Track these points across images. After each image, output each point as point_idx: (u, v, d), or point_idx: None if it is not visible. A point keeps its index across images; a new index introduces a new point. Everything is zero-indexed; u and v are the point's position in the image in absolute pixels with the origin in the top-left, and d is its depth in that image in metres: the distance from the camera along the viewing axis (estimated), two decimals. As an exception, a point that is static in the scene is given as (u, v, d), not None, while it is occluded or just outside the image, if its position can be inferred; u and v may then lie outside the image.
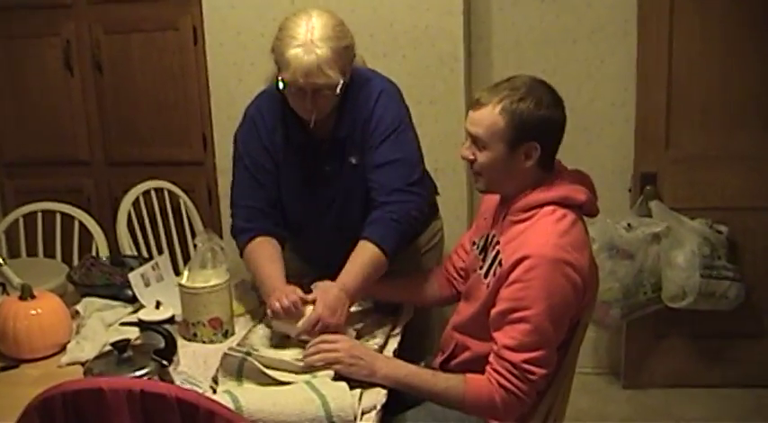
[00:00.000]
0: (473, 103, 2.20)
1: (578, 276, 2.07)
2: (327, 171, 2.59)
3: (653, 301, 3.65)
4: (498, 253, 2.18)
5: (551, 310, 2.04)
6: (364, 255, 2.42)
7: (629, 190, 3.86)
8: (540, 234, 2.11)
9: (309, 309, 2.30)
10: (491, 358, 2.11)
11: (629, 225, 3.63)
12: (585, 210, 2.22)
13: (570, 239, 2.09)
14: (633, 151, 3.80)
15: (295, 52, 2.31)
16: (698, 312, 3.67)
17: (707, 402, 3.83)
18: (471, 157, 2.21)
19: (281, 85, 2.40)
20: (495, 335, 2.11)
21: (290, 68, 2.33)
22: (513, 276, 2.08)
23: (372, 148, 2.51)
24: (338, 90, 2.39)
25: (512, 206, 2.22)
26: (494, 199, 2.37)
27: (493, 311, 2.13)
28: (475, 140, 2.18)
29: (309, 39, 2.31)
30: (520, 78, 2.19)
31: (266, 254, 2.53)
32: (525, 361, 2.05)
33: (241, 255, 2.60)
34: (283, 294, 2.30)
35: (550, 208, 2.14)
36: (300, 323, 2.27)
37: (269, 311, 2.33)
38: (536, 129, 2.12)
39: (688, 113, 3.71)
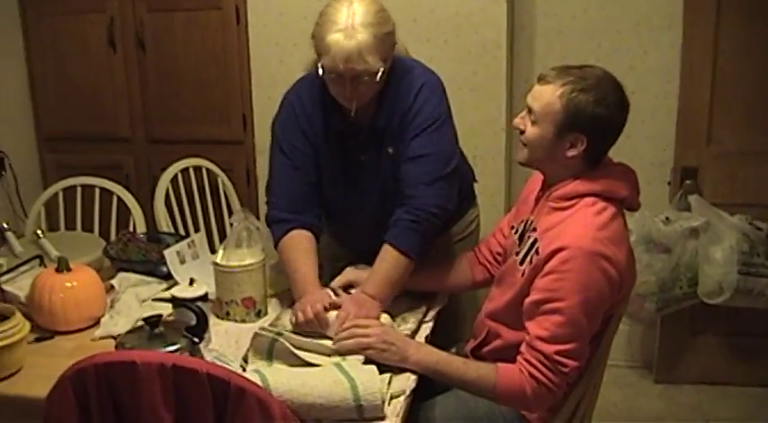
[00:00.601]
0: (540, 78, 2.18)
1: (615, 270, 2.06)
2: (363, 160, 2.58)
3: (689, 296, 3.62)
4: (536, 241, 2.17)
5: (586, 303, 2.03)
6: (387, 260, 2.42)
7: (669, 183, 3.82)
8: (578, 225, 2.09)
9: (334, 314, 2.29)
10: (523, 348, 2.10)
11: (667, 219, 3.60)
12: (627, 204, 2.20)
13: (609, 233, 2.08)
14: (674, 144, 3.76)
15: (335, 37, 2.28)
16: (734, 309, 3.63)
17: (739, 401, 3.80)
18: (521, 128, 2.22)
19: (320, 70, 2.38)
20: (528, 325, 2.10)
21: (329, 53, 2.30)
22: (548, 267, 2.06)
23: (407, 139, 2.48)
24: (378, 77, 2.36)
25: (553, 193, 2.21)
26: (536, 184, 2.36)
27: (527, 301, 2.12)
28: (530, 112, 2.18)
29: (350, 24, 2.28)
30: (594, 70, 2.17)
31: (300, 250, 2.51)
32: (557, 352, 2.03)
33: (275, 246, 2.58)
34: (308, 304, 2.29)
35: (591, 199, 2.13)
36: (329, 330, 2.25)
37: (292, 319, 2.32)
38: (588, 123, 2.10)
39: (731, 108, 3.67)
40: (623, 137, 3.72)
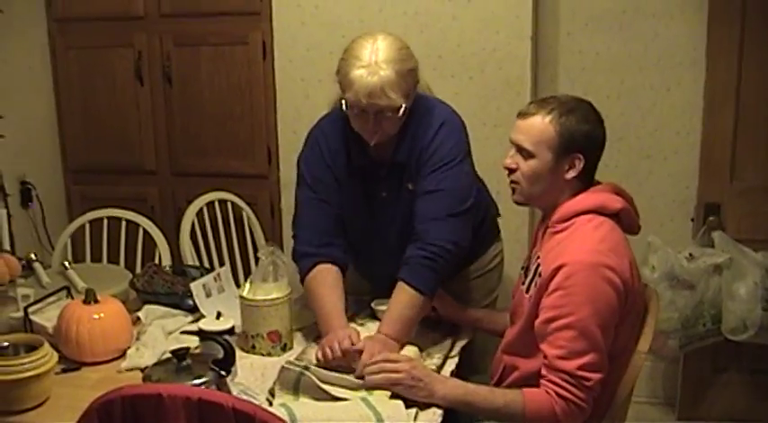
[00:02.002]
0: (520, 114, 2.26)
1: (619, 279, 2.08)
2: (384, 197, 2.61)
3: (712, 332, 3.60)
4: (539, 266, 2.21)
5: (596, 313, 2.06)
6: (401, 299, 2.44)
7: (692, 220, 3.81)
8: (578, 241, 2.14)
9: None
10: (544, 371, 2.11)
11: (690, 255, 3.59)
12: (625, 221, 2.24)
13: (609, 245, 2.12)
14: (697, 181, 3.76)
15: (359, 73, 2.34)
16: (758, 347, 3.60)
17: (763, 439, 3.76)
18: (514, 166, 2.27)
19: (344, 105, 2.42)
20: (543, 347, 2.12)
21: (353, 89, 2.35)
22: (553, 284, 2.10)
23: (424, 176, 2.51)
24: (401, 112, 2.40)
25: (550, 220, 2.26)
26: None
27: (537, 322, 2.14)
28: (520, 150, 2.24)
29: (374, 60, 2.34)
30: (563, 95, 2.29)
31: (327, 285, 2.54)
32: (579, 367, 2.05)
33: (302, 280, 2.61)
34: (335, 341, 2.31)
35: (588, 217, 2.18)
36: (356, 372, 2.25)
37: (318, 354, 2.34)
38: (582, 141, 2.19)
39: (754, 145, 3.67)
40: (646, 172, 3.76)
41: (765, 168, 3.70)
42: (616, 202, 2.21)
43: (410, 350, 2.36)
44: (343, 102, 2.42)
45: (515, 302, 2.39)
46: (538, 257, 2.25)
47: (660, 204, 3.78)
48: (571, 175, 2.21)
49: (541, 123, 2.19)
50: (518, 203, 2.36)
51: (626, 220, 2.24)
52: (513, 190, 2.32)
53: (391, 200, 2.61)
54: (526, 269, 2.35)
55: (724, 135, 3.68)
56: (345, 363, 2.28)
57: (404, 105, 2.40)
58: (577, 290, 2.06)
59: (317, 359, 2.33)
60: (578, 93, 3.71)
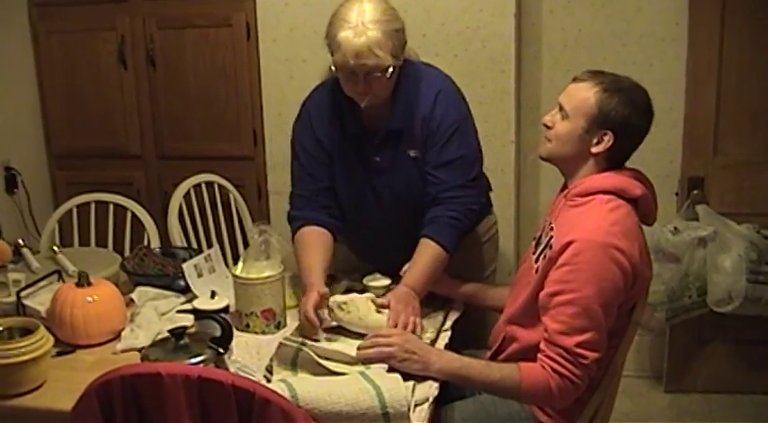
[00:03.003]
0: (575, 79, 2.29)
1: (628, 262, 2.10)
2: (378, 162, 2.65)
3: (698, 305, 3.65)
4: (551, 238, 2.23)
5: (600, 293, 2.08)
6: (426, 253, 2.52)
7: (677, 194, 3.85)
8: (592, 220, 2.15)
9: (377, 316, 2.37)
10: (542, 345, 2.14)
11: (675, 228, 3.62)
12: (642, 209, 2.25)
13: (622, 228, 2.13)
14: (681, 155, 3.79)
15: (346, 34, 2.38)
16: (742, 318, 3.66)
17: (749, 409, 3.82)
18: (550, 124, 2.30)
19: (333, 68, 2.46)
20: (545, 319, 2.14)
21: (340, 50, 2.40)
22: (562, 259, 2.12)
23: (436, 146, 2.57)
24: (389, 73, 2.45)
25: (570, 191, 2.28)
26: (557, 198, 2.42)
27: (542, 294, 2.17)
28: (561, 109, 2.27)
29: (360, 21, 2.38)
30: (626, 77, 2.29)
31: (310, 243, 2.61)
32: (577, 345, 2.07)
33: (292, 241, 2.67)
34: (310, 301, 2.37)
35: (606, 197, 2.19)
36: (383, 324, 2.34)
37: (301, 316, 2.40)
38: (618, 122, 2.20)
39: (736, 119, 3.71)
40: (630, 149, 3.76)
41: (748, 142, 3.74)
42: (637, 188, 2.22)
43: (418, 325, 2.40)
44: (332, 65, 2.46)
45: (523, 270, 2.41)
46: (552, 228, 2.27)
47: (644, 179, 3.81)
48: (597, 149, 2.22)
49: (587, 91, 2.22)
50: (542, 158, 2.38)
51: (643, 208, 2.26)
52: (543, 143, 2.35)
53: (387, 164, 2.65)
54: (538, 239, 2.37)
55: (707, 110, 3.71)
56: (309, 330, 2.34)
57: (392, 65, 2.45)
58: (585, 267, 2.08)
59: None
60: (561, 70, 3.79)
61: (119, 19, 4.14)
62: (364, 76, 2.43)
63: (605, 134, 2.21)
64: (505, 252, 3.57)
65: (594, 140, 2.22)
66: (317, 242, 2.61)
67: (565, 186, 2.36)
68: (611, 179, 2.23)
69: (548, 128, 2.31)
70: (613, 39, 3.81)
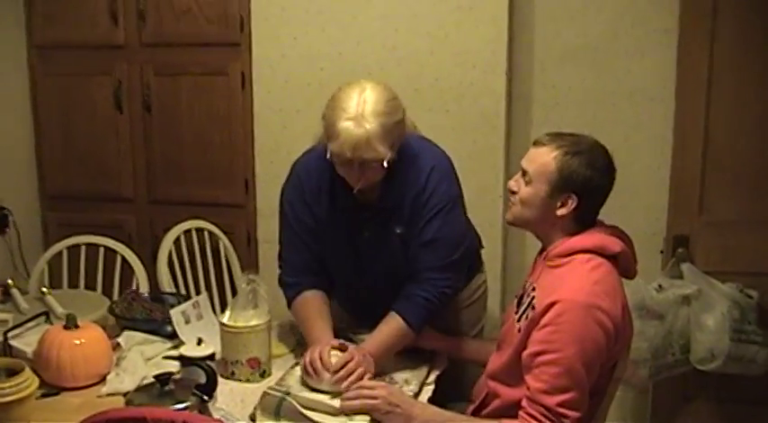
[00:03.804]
0: (535, 142, 2.31)
1: (610, 322, 2.13)
2: (367, 237, 2.63)
3: (681, 362, 3.65)
4: (533, 298, 2.25)
5: (583, 353, 2.10)
6: (391, 327, 2.52)
7: (662, 252, 3.87)
8: (574, 280, 2.18)
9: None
10: (524, 403, 2.15)
11: (660, 286, 3.64)
12: (622, 265, 2.28)
13: (603, 287, 2.16)
14: (666, 213, 3.83)
15: (345, 125, 2.32)
16: (726, 377, 3.66)
17: (732, 468, 3.81)
18: (515, 189, 2.32)
19: (328, 153, 2.41)
20: (528, 378, 2.16)
21: (338, 140, 2.33)
22: (544, 320, 2.14)
23: (420, 223, 2.54)
24: (386, 163, 2.40)
25: (549, 252, 2.30)
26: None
27: (524, 354, 2.19)
28: (524, 174, 2.29)
29: (360, 112, 2.31)
30: (585, 137, 2.32)
31: (315, 311, 2.61)
32: (559, 404, 2.09)
33: (289, 306, 2.67)
34: (314, 349, 2.38)
35: (586, 256, 2.22)
36: (330, 370, 2.33)
37: (306, 360, 2.38)
38: (579, 184, 2.22)
39: (722, 178, 3.74)
40: (617, 206, 3.77)
41: (733, 202, 3.76)
42: (615, 245, 2.25)
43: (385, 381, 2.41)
44: (328, 150, 2.40)
45: (505, 330, 2.43)
46: (533, 288, 2.29)
47: (631, 236, 3.82)
48: (562, 212, 2.25)
49: (547, 156, 2.24)
50: (508, 222, 2.42)
51: (623, 264, 2.29)
52: (510, 208, 2.37)
53: (375, 240, 2.63)
54: (520, 298, 2.38)
55: (693, 169, 3.74)
56: (318, 371, 2.33)
57: (389, 156, 2.39)
58: (568, 328, 2.10)
59: (304, 368, 2.37)
60: (551, 126, 3.79)
61: (116, 64, 4.20)
62: (359, 164, 2.38)
63: (569, 197, 2.23)
64: (491, 306, 3.59)
65: (558, 204, 2.25)
66: (320, 308, 2.62)
67: (544, 248, 2.38)
68: (589, 238, 2.26)
69: (513, 193, 2.34)
70: (603, 97, 3.86)
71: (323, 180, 2.61)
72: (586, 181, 2.22)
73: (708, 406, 3.94)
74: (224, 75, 4.06)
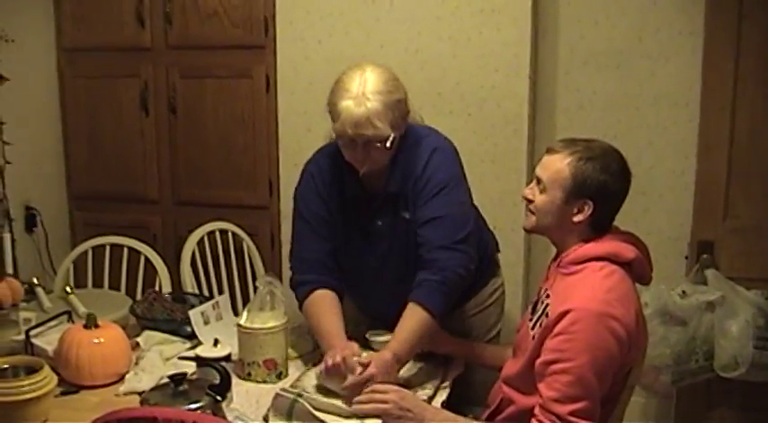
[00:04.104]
0: (548, 149, 2.31)
1: (623, 330, 2.11)
2: (380, 226, 2.65)
3: (704, 369, 3.62)
4: (547, 306, 2.24)
5: (595, 362, 2.09)
6: (413, 318, 2.48)
7: (686, 257, 3.85)
8: (586, 288, 2.17)
9: (360, 369, 2.35)
10: (536, 411, 2.15)
11: (683, 292, 3.61)
12: (636, 271, 2.27)
13: (616, 295, 2.15)
14: (691, 219, 3.80)
15: (346, 104, 2.40)
16: (751, 384, 3.62)
17: (756, 476, 3.77)
18: (530, 197, 2.32)
19: (334, 136, 2.49)
20: (540, 387, 2.15)
21: (340, 119, 2.42)
22: (558, 328, 2.13)
23: (421, 204, 2.56)
24: (389, 143, 2.45)
25: (563, 259, 2.29)
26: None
27: (537, 362, 2.18)
28: (539, 182, 2.29)
29: (361, 91, 2.40)
30: (598, 142, 2.30)
31: (325, 307, 2.60)
32: (571, 413, 2.08)
33: (300, 307, 2.66)
34: (337, 352, 2.36)
35: (599, 264, 2.21)
36: (350, 378, 2.32)
37: (322, 368, 2.38)
38: (594, 189, 2.21)
39: (748, 184, 3.71)
40: (641, 211, 3.80)
41: (758, 207, 3.73)
42: (629, 252, 2.24)
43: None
44: (333, 133, 2.49)
45: (520, 336, 2.42)
46: (547, 296, 2.29)
47: (655, 241, 3.74)
48: (578, 218, 2.24)
49: (560, 163, 2.23)
50: (526, 230, 2.42)
51: (638, 270, 2.27)
52: (527, 216, 2.37)
53: (387, 228, 2.65)
54: (534, 305, 2.38)
55: (718, 174, 3.72)
56: (343, 373, 2.33)
57: (392, 135, 2.44)
58: (580, 336, 2.09)
59: (321, 372, 2.38)
60: (575, 131, 3.83)
61: (143, 67, 4.25)
62: (363, 144, 2.44)
63: (585, 203, 2.23)
64: (512, 311, 3.58)
65: (575, 210, 2.24)
66: (332, 306, 2.61)
67: (558, 254, 2.38)
68: (603, 245, 2.25)
69: (529, 201, 2.34)
70: (627, 101, 3.85)
71: (334, 175, 2.66)
72: (601, 186, 2.21)
73: (732, 414, 3.90)
74: (248, 77, 4.09)
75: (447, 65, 3.70)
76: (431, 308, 2.48)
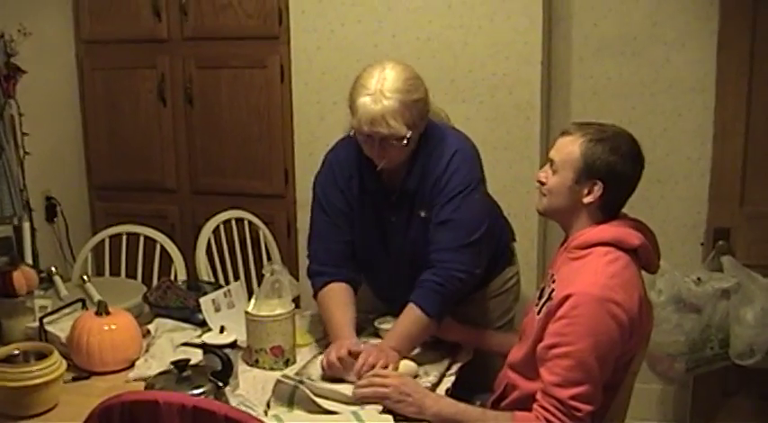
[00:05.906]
0: (562, 132, 2.33)
1: (625, 315, 2.12)
2: (394, 221, 2.68)
3: (720, 356, 3.61)
4: (552, 290, 2.25)
5: (596, 346, 2.09)
6: (408, 318, 2.53)
7: (702, 244, 3.84)
8: (590, 273, 2.17)
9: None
10: (538, 395, 2.16)
11: (698, 279, 3.60)
12: (642, 258, 2.27)
13: (620, 281, 2.15)
14: (707, 206, 3.79)
15: (363, 101, 2.41)
16: (766, 372, 3.61)
17: (772, 463, 3.76)
18: (543, 179, 2.33)
19: (353, 131, 2.51)
20: (542, 371, 2.16)
21: (357, 115, 2.44)
22: (560, 312, 2.14)
23: (438, 205, 2.57)
24: (406, 141, 2.46)
25: (570, 244, 2.30)
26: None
27: (539, 346, 2.19)
28: (552, 164, 2.30)
29: (379, 89, 2.40)
30: (611, 126, 2.32)
31: (338, 301, 2.63)
32: (571, 397, 2.08)
33: (315, 296, 2.70)
34: (334, 349, 2.40)
35: (604, 249, 2.21)
36: (350, 374, 2.35)
37: (323, 362, 2.41)
38: (604, 171, 2.22)
39: (764, 170, 3.69)
40: (657, 198, 3.78)
41: (775, 194, 3.72)
42: (635, 239, 2.24)
43: (406, 365, 2.41)
44: (352, 128, 2.50)
45: (527, 321, 2.43)
46: (553, 280, 2.30)
47: (671, 228, 3.80)
48: (589, 199, 2.25)
49: (572, 144, 2.25)
50: (539, 212, 2.43)
51: (644, 258, 2.27)
52: (540, 198, 2.38)
53: (401, 225, 2.67)
54: (541, 291, 2.38)
55: (734, 160, 3.70)
56: (342, 370, 2.36)
57: (408, 134, 2.45)
58: (582, 321, 2.10)
59: (322, 367, 2.40)
60: (590, 117, 3.78)
61: (159, 58, 4.28)
62: (379, 141, 2.46)
63: (594, 184, 2.23)
64: (527, 299, 3.58)
65: (585, 191, 2.24)
66: (345, 299, 2.64)
67: (566, 239, 2.38)
68: (608, 231, 2.25)
69: (542, 183, 2.34)
70: (642, 88, 3.83)
71: (353, 167, 2.68)
72: (611, 167, 2.21)
73: (749, 402, 3.89)
74: (263, 67, 4.11)
75: (459, 53, 3.70)
76: (427, 309, 2.51)
